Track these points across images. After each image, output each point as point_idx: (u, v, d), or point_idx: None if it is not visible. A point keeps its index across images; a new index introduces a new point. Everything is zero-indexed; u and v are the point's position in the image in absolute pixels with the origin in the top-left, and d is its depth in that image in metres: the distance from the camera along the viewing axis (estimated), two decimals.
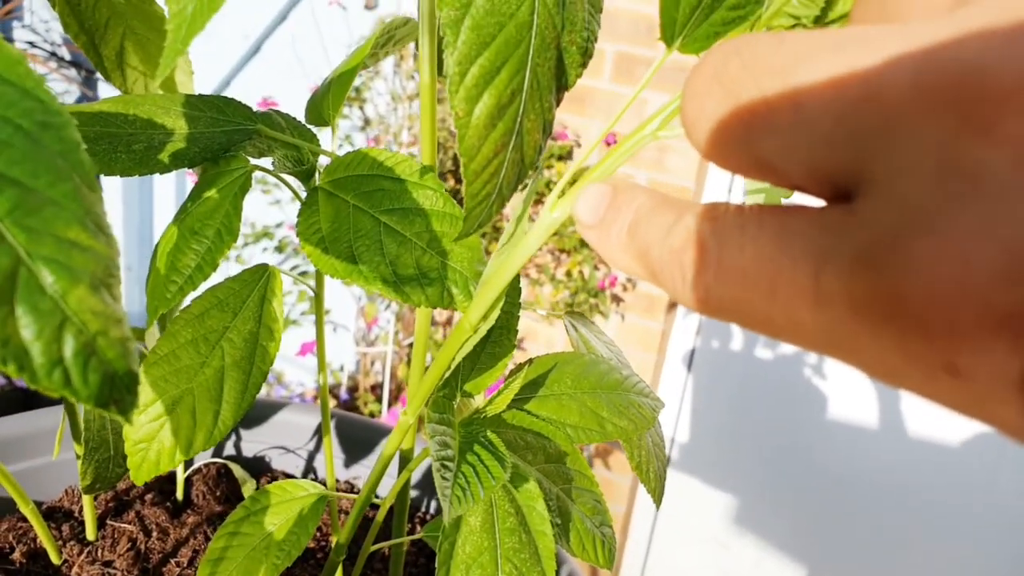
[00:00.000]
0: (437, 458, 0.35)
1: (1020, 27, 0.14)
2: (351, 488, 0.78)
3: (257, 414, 0.79)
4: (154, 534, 0.66)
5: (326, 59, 1.93)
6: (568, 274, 1.77)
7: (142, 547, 0.65)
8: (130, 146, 0.42)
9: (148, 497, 0.71)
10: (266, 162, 0.47)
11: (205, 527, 0.68)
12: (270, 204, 1.96)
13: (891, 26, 0.16)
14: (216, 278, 0.43)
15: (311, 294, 0.50)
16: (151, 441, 0.44)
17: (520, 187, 0.30)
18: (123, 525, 0.66)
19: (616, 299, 1.75)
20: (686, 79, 0.20)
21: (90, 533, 0.64)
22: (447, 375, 0.40)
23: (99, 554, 0.63)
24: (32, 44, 2.28)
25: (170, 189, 2.40)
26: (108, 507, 0.69)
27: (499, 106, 0.26)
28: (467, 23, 0.25)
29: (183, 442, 0.44)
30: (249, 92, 2.03)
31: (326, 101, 0.48)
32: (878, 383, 1.59)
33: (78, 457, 0.55)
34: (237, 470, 0.73)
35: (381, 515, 0.49)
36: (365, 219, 0.41)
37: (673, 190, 1.65)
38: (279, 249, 1.97)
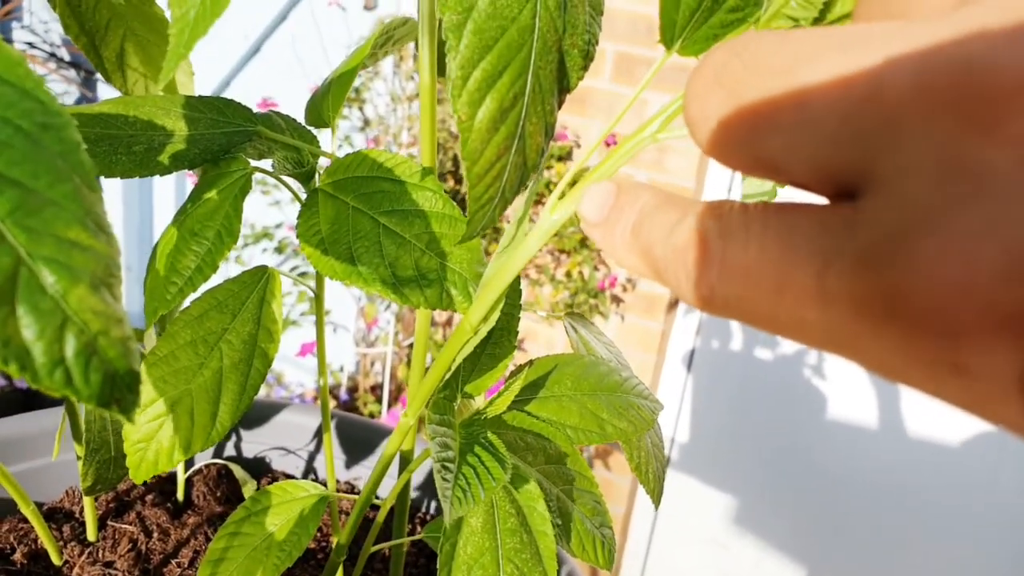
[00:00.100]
0: (438, 459, 0.35)
1: (1023, 27, 0.14)
2: (352, 489, 0.78)
3: (257, 415, 0.79)
4: (155, 535, 0.66)
5: (326, 59, 1.93)
6: (568, 275, 1.77)
7: (143, 548, 0.65)
8: (130, 148, 0.43)
9: (149, 498, 0.71)
10: (266, 164, 0.47)
11: (206, 528, 0.68)
12: (270, 205, 1.96)
13: (894, 24, 0.17)
14: (216, 279, 0.43)
15: (311, 295, 0.50)
16: (150, 441, 0.44)
17: (522, 189, 0.30)
18: (124, 526, 0.66)
19: (616, 300, 1.75)
20: (688, 79, 0.20)
21: (91, 534, 0.64)
22: (447, 376, 0.40)
23: (100, 555, 0.63)
24: (31, 45, 2.29)
25: (170, 190, 2.40)
26: (109, 508, 0.69)
27: (502, 110, 0.26)
28: (469, 27, 0.25)
29: (181, 442, 0.44)
30: (249, 92, 2.03)
31: (326, 102, 0.48)
32: (878, 383, 1.59)
33: (79, 458, 0.55)
34: (238, 471, 0.73)
35: (381, 516, 0.49)
36: (365, 221, 0.41)
37: (673, 190, 1.65)
38: (279, 250, 1.97)
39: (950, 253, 0.14)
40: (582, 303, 1.73)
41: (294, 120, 0.49)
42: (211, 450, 0.78)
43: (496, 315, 0.35)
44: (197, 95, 0.47)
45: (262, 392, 1.84)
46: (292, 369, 2.18)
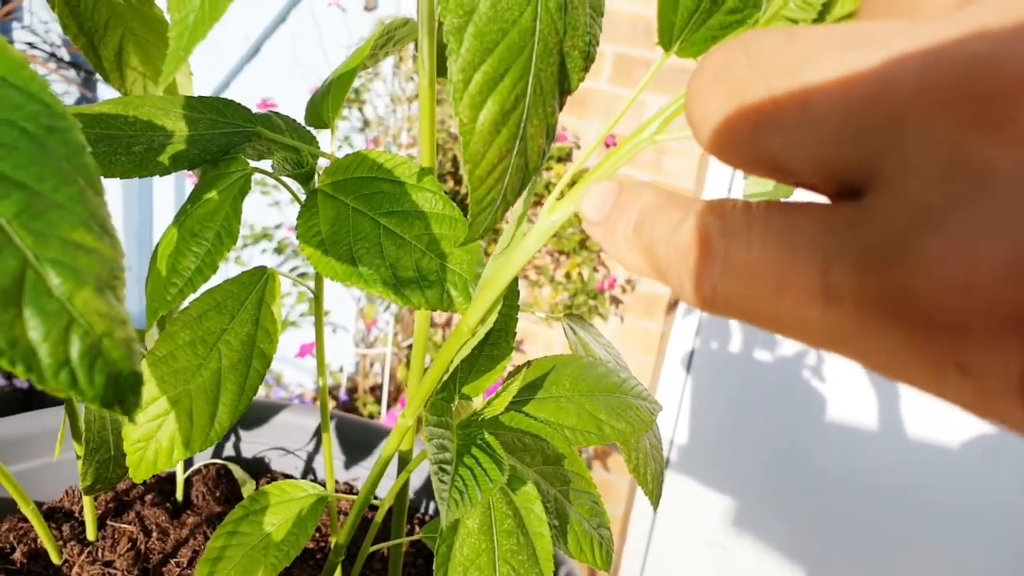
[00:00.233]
0: (435, 461, 0.35)
1: None
2: (350, 489, 0.78)
3: (257, 415, 0.79)
4: (154, 534, 0.66)
5: (325, 60, 1.93)
6: (567, 276, 1.77)
7: (142, 547, 0.65)
8: (130, 148, 0.43)
9: (148, 498, 0.71)
10: (266, 164, 0.47)
11: (205, 527, 0.68)
12: (269, 205, 1.96)
13: (898, 23, 0.16)
14: (216, 279, 0.44)
15: (310, 296, 0.50)
16: (149, 440, 0.44)
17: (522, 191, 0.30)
18: (123, 525, 0.66)
19: (615, 301, 1.76)
20: (690, 77, 0.20)
21: (90, 533, 0.64)
22: (445, 378, 0.40)
23: (99, 554, 0.63)
24: (31, 45, 2.29)
25: (169, 190, 2.40)
26: (108, 507, 0.69)
27: (503, 112, 0.26)
28: (470, 30, 0.25)
29: (181, 442, 0.44)
30: (248, 93, 2.04)
31: (325, 103, 0.48)
32: (877, 384, 1.59)
33: (78, 458, 0.56)
34: (237, 471, 0.73)
35: (380, 516, 0.49)
36: (365, 221, 0.41)
37: (675, 191, 1.65)
38: (278, 250, 1.97)
39: (953, 251, 0.14)
40: (581, 304, 1.73)
41: (294, 121, 0.49)
42: (210, 450, 0.78)
43: (494, 317, 0.35)
44: (197, 96, 0.47)
45: (261, 392, 1.84)
46: (291, 370, 2.18)
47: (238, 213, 0.43)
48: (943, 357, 0.15)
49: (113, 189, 2.33)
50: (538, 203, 1.74)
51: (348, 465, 0.79)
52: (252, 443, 0.80)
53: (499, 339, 0.45)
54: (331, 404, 1.94)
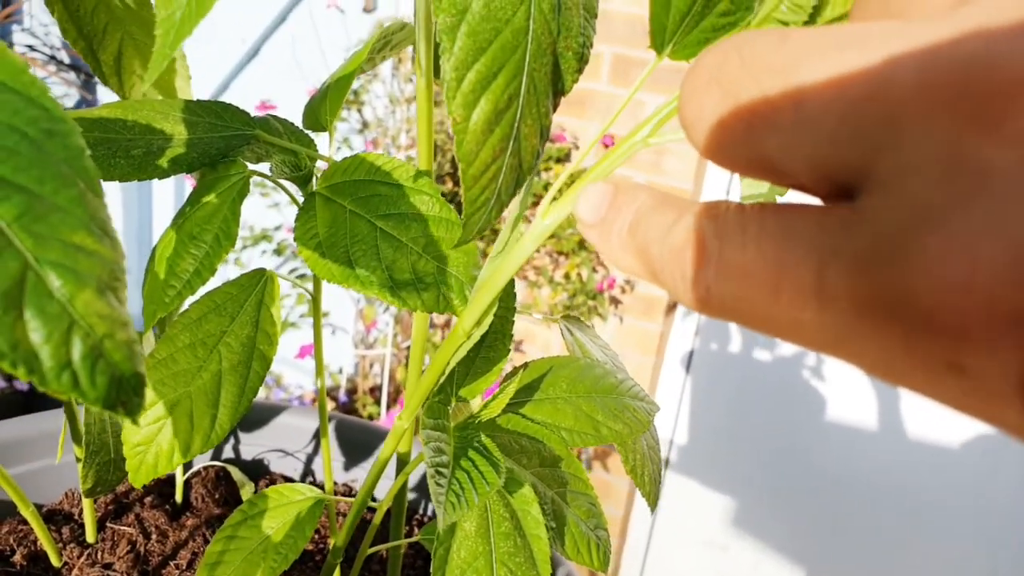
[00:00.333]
0: (432, 464, 0.35)
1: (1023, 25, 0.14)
2: (349, 491, 0.78)
3: (256, 417, 0.79)
4: (153, 537, 0.66)
5: (324, 62, 1.94)
6: (566, 276, 1.77)
7: (142, 549, 0.65)
8: (129, 151, 0.43)
9: (147, 500, 0.71)
10: (264, 167, 0.47)
11: (204, 530, 0.68)
12: (268, 207, 1.97)
13: (893, 24, 0.16)
14: (215, 281, 0.44)
15: (309, 297, 0.50)
16: (149, 444, 0.44)
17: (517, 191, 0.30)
18: (123, 528, 0.67)
19: (614, 301, 1.76)
20: (684, 79, 0.20)
21: (90, 536, 0.64)
22: (442, 380, 0.40)
23: (99, 556, 0.63)
24: (31, 48, 2.29)
25: (168, 193, 2.40)
26: (108, 510, 0.69)
27: (496, 111, 0.26)
28: (463, 29, 0.26)
29: (180, 445, 0.44)
30: (247, 95, 2.04)
31: (324, 107, 0.48)
32: (876, 385, 1.59)
33: (78, 460, 0.56)
34: (236, 473, 0.73)
35: (378, 518, 0.49)
36: (362, 224, 0.41)
37: (671, 193, 1.65)
38: (277, 252, 1.98)
39: (952, 251, 0.14)
40: (580, 305, 1.73)
41: (292, 124, 0.49)
42: (209, 452, 0.78)
43: (489, 319, 0.35)
44: (195, 99, 0.47)
45: (261, 394, 1.84)
46: (291, 371, 2.18)
47: (236, 216, 0.43)
48: (940, 358, 0.15)
49: (112, 192, 2.33)
50: (536, 203, 1.74)
51: (348, 467, 0.79)
52: (251, 445, 0.80)
53: (496, 341, 0.45)
54: (330, 405, 1.94)
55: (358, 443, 0.79)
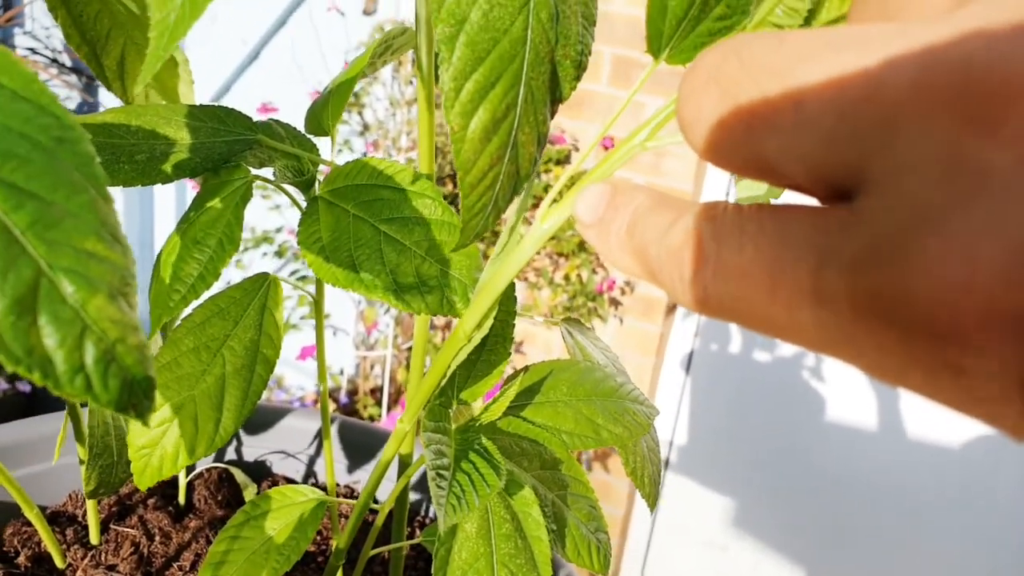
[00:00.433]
0: (433, 467, 0.35)
1: (1023, 26, 0.14)
2: (352, 493, 0.78)
3: (258, 419, 0.80)
4: (157, 538, 0.67)
5: (324, 65, 1.94)
6: (566, 278, 1.78)
7: (145, 551, 0.65)
8: (132, 156, 0.43)
9: (151, 501, 0.71)
10: (267, 172, 0.47)
11: (207, 531, 0.69)
12: (270, 209, 1.97)
13: (892, 25, 0.16)
14: (217, 284, 0.44)
15: (311, 299, 0.51)
16: (154, 447, 0.44)
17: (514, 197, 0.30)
18: (126, 529, 0.67)
19: (614, 303, 1.76)
20: (682, 80, 0.20)
21: (94, 537, 0.65)
22: (443, 383, 0.40)
23: (103, 558, 0.64)
24: (33, 51, 2.29)
25: (170, 198, 2.41)
26: (111, 511, 0.69)
27: (494, 120, 0.27)
28: (462, 39, 0.26)
29: (185, 448, 0.44)
30: (248, 98, 2.04)
31: (326, 111, 0.48)
32: (876, 385, 1.60)
33: (81, 462, 0.56)
34: (239, 475, 0.74)
35: (380, 519, 0.49)
36: (365, 228, 0.41)
37: (670, 194, 1.65)
38: (279, 254, 1.98)
39: (951, 252, 0.14)
40: (580, 306, 1.73)
41: (294, 128, 0.49)
42: (212, 454, 0.78)
43: (490, 322, 0.35)
44: (198, 104, 0.48)
45: (262, 396, 1.84)
46: (292, 372, 2.18)
47: (240, 220, 0.43)
48: (938, 358, 0.15)
49: (114, 196, 2.33)
50: (536, 205, 1.74)
51: (351, 469, 0.79)
52: (254, 447, 0.80)
53: (496, 344, 0.45)
54: (332, 407, 1.95)
55: (360, 445, 0.79)
